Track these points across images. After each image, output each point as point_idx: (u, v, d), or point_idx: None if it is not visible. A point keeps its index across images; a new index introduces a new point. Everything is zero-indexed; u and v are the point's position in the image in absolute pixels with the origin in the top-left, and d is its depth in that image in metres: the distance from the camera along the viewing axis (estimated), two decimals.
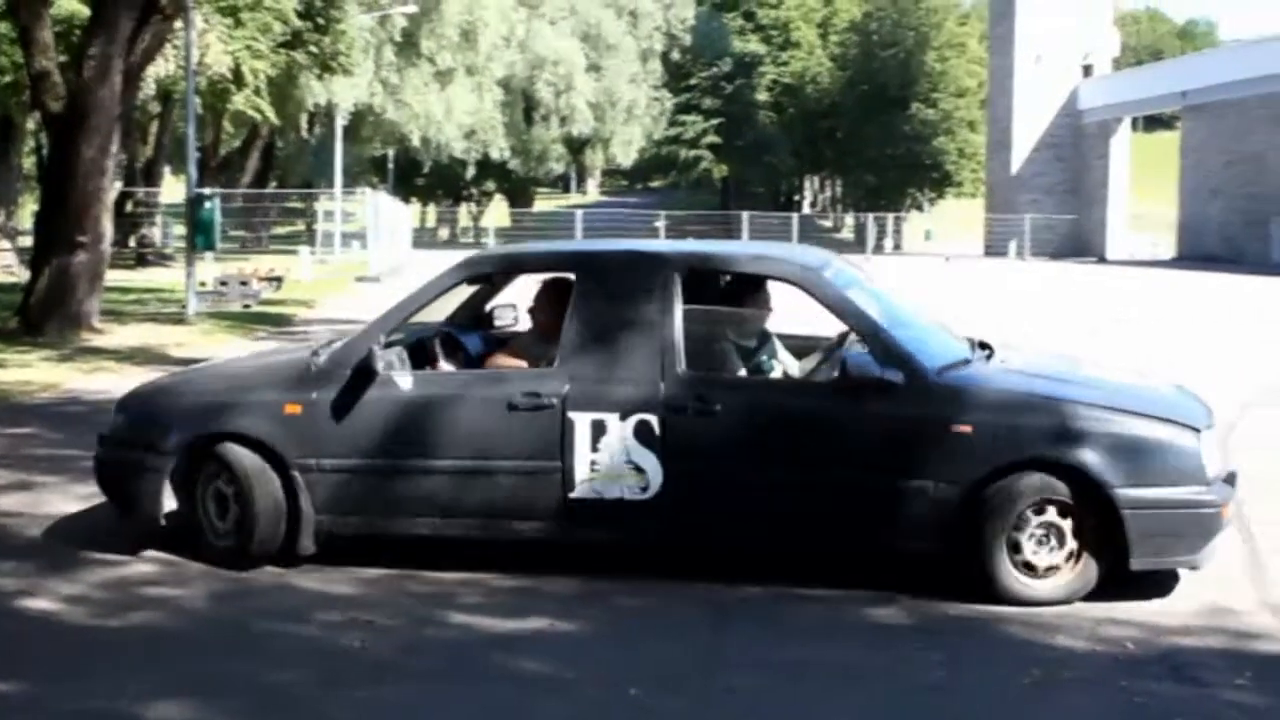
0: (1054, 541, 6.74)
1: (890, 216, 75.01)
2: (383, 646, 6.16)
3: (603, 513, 7.04)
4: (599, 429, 6.96)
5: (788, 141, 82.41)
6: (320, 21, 34.23)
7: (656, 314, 7.10)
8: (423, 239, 64.98)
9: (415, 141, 55.94)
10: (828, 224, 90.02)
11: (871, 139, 79.98)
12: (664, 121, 72.39)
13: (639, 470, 6.94)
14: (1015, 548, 6.73)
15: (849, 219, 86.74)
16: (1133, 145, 76.06)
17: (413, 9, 47.68)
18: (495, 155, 61.32)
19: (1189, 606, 6.73)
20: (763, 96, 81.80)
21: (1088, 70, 72.16)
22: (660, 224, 61.42)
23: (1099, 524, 6.68)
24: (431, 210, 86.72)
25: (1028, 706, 5.58)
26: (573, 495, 7.01)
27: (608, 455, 6.95)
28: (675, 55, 71.57)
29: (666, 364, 7.01)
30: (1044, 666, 5.96)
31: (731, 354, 7.53)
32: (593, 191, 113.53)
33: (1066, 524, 6.73)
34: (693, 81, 78.42)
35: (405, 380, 7.20)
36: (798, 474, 6.92)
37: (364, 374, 7.18)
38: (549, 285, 7.89)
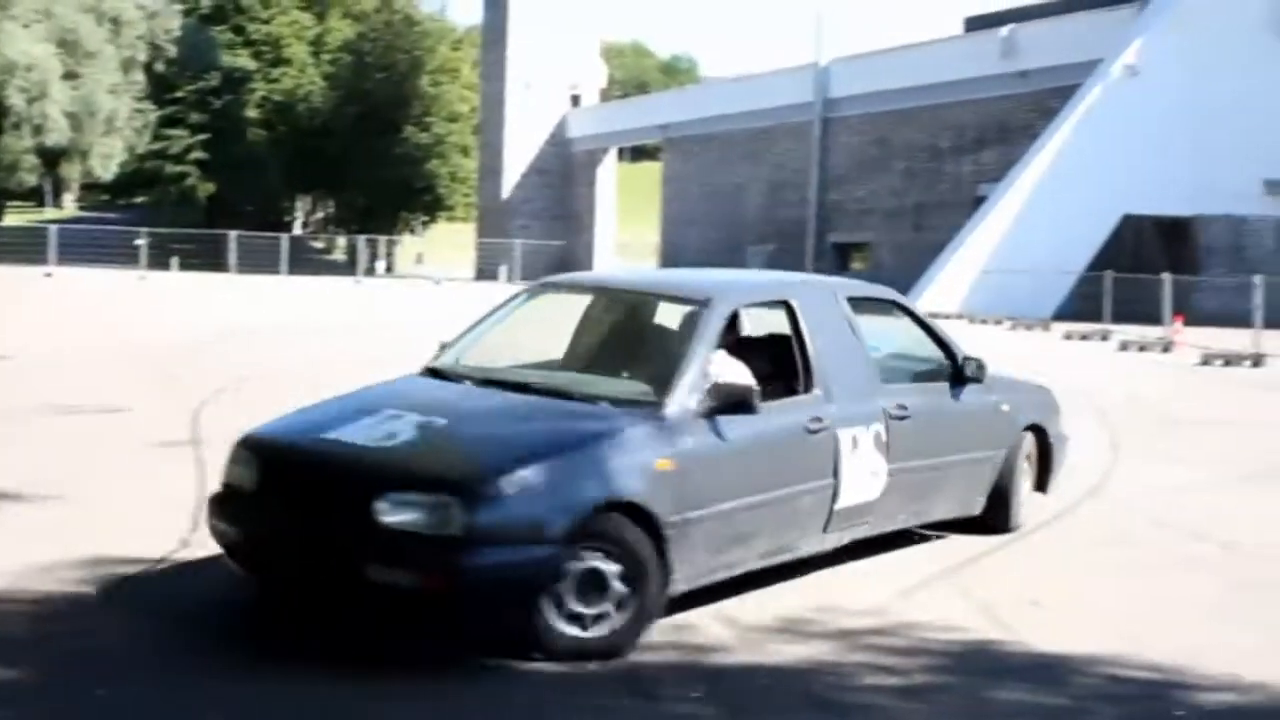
0: (1027, 481, 9.53)
1: (383, 239, 74.87)
2: None
3: (849, 518, 7.87)
4: (854, 442, 7.74)
5: (279, 160, 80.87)
6: None
7: (856, 336, 8.20)
8: None
9: None
10: (319, 245, 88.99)
11: (364, 160, 79.42)
12: (148, 135, 69.65)
13: (875, 474, 7.90)
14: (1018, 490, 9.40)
15: (341, 241, 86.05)
16: (619, 174, 78.74)
17: None
18: None
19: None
20: (253, 113, 79.96)
21: (576, 100, 74.23)
22: (141, 242, 58.97)
23: (1041, 462, 9.67)
24: None
25: None
26: (837, 506, 7.70)
27: (860, 465, 7.79)
28: (160, 67, 68.98)
29: (877, 379, 8.20)
30: (508, 688, 5.93)
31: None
32: (70, 206, 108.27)
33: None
34: (179, 95, 75.77)
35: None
36: (948, 458, 8.65)
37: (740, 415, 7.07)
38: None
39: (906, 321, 9.08)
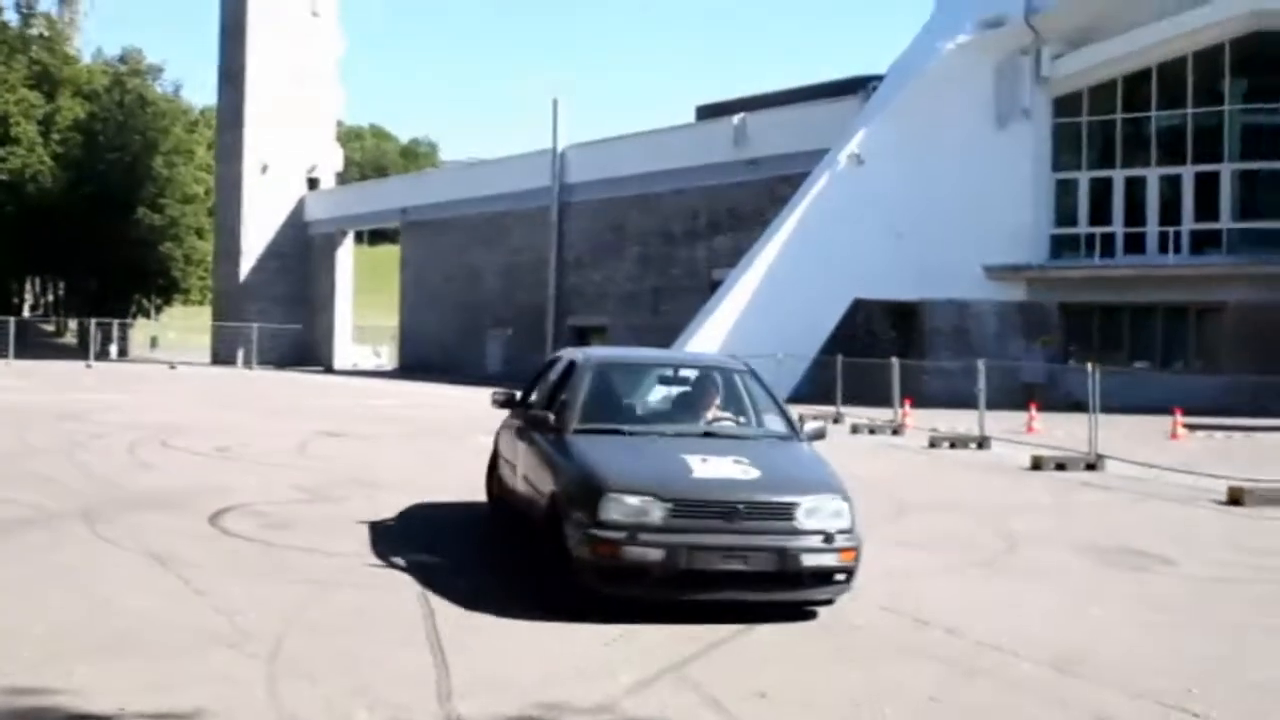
0: None
1: (115, 323, 72.87)
2: None
3: None
4: None
5: (6, 241, 78.06)
6: None
7: None
8: None
9: None
10: (50, 329, 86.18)
11: (97, 242, 77.18)
12: None
13: None
14: None
15: (73, 324, 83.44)
16: (359, 258, 78.11)
17: None
18: None
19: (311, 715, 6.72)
20: None
21: (314, 183, 73.55)
22: None
23: None
24: None
25: None
26: None
27: None
28: None
29: None
30: None
31: None
32: None
33: None
34: None
35: None
36: None
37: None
38: None
39: None
